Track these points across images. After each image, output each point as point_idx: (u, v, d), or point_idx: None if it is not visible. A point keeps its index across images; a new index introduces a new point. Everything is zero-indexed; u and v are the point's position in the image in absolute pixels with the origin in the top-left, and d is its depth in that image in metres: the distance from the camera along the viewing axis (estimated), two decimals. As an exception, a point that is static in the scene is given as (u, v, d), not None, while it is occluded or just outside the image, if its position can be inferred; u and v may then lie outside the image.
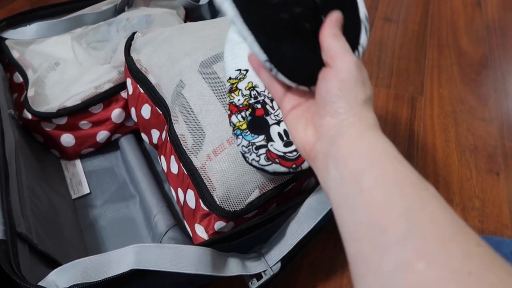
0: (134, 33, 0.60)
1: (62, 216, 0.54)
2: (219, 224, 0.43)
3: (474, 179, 0.68)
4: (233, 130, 0.42)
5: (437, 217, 0.21)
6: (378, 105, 0.82)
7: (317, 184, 0.49)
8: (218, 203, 0.42)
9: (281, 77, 0.31)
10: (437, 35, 1.04)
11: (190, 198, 0.46)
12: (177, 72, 0.51)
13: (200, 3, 0.85)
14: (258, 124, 0.41)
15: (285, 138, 0.40)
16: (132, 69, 0.56)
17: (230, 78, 0.45)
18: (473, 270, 0.19)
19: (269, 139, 0.40)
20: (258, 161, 0.40)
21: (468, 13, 1.14)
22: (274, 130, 0.41)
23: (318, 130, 0.29)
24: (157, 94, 0.53)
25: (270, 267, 0.43)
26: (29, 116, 0.59)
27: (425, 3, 1.18)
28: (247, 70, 0.45)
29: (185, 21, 0.81)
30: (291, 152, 0.39)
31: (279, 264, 0.43)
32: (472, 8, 1.16)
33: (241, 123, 0.42)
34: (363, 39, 0.31)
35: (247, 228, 0.42)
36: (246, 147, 0.40)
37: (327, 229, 0.58)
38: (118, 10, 0.75)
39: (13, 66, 0.65)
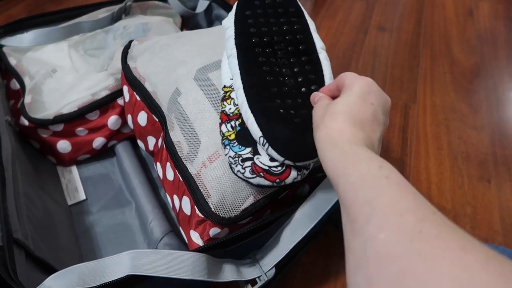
0: (131, 41, 0.60)
1: (58, 223, 0.54)
2: (214, 231, 0.44)
3: (466, 186, 0.69)
4: (222, 140, 0.42)
5: (394, 197, 0.25)
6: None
7: (311, 191, 0.50)
8: (213, 209, 0.42)
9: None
10: (430, 44, 1.06)
11: (186, 204, 0.46)
12: (173, 80, 0.52)
13: (197, 11, 0.86)
14: (246, 135, 0.41)
15: None
16: (129, 76, 0.57)
17: (224, 86, 0.46)
18: (423, 229, 0.22)
19: (255, 152, 0.41)
20: (243, 173, 0.40)
21: (460, 22, 1.16)
22: None
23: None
24: (153, 102, 0.53)
25: (265, 273, 0.43)
26: (26, 122, 0.59)
27: (418, 13, 1.20)
28: None
29: (181, 29, 0.82)
30: (276, 166, 0.40)
31: (273, 270, 0.43)
32: (464, 18, 1.18)
33: (229, 133, 0.42)
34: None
35: (242, 235, 0.42)
36: (233, 158, 0.41)
37: (320, 236, 0.59)
38: (115, 18, 0.75)
39: (10, 73, 0.66)
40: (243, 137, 0.42)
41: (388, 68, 0.97)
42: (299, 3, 0.51)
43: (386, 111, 0.37)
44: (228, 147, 0.41)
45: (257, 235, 0.43)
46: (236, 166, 0.40)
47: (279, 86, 0.42)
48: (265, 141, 0.39)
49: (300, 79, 0.44)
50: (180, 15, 0.83)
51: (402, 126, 0.81)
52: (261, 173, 0.39)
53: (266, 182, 0.40)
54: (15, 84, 0.65)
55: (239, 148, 0.41)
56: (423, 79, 0.93)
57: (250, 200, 0.43)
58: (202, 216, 0.43)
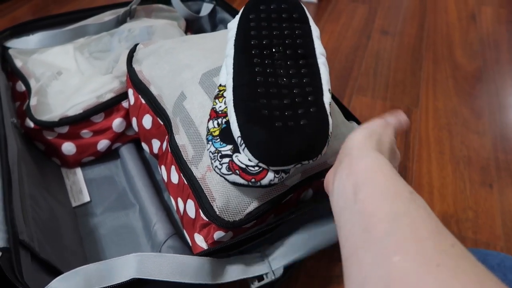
0: (136, 45, 0.61)
1: (62, 224, 0.55)
2: (218, 234, 0.44)
3: (468, 190, 0.69)
4: (206, 135, 0.43)
5: (418, 221, 0.24)
6: (374, 116, 0.83)
7: (314, 195, 0.50)
8: (217, 213, 0.43)
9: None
10: (433, 48, 1.06)
11: (190, 207, 0.47)
12: (178, 84, 0.52)
13: (201, 14, 0.87)
14: (230, 133, 0.42)
15: None
16: (134, 80, 0.57)
17: (220, 85, 0.47)
18: (441, 262, 0.21)
19: (236, 150, 0.41)
20: (220, 169, 0.40)
21: (463, 27, 1.16)
22: None
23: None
24: (159, 105, 0.54)
25: (273, 271, 0.43)
26: (31, 124, 0.60)
27: (421, 17, 1.20)
28: None
29: (185, 32, 0.83)
30: (253, 166, 0.40)
31: (281, 269, 0.43)
32: (467, 22, 1.18)
33: (214, 129, 0.42)
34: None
35: (246, 239, 0.43)
36: (213, 154, 0.41)
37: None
38: (120, 21, 0.76)
39: (16, 75, 0.66)
40: (227, 134, 0.42)
41: (391, 72, 0.97)
42: (305, 9, 0.51)
43: (397, 162, 0.39)
44: (210, 142, 0.42)
45: (262, 238, 0.44)
46: (214, 161, 0.41)
47: (268, 86, 0.42)
48: (242, 141, 0.39)
49: (294, 81, 0.43)
50: (184, 18, 0.84)
51: (405, 130, 0.81)
52: (237, 171, 0.40)
53: (241, 181, 0.40)
54: (20, 86, 0.66)
55: (220, 144, 0.41)
56: (425, 83, 0.94)
57: (254, 204, 0.43)
58: (207, 220, 0.44)
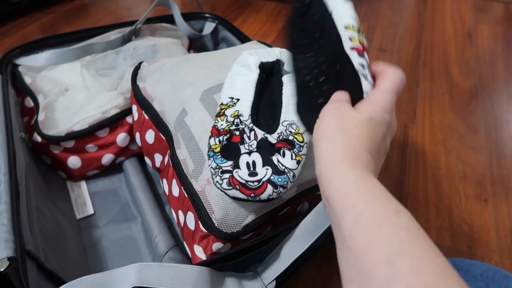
0: (140, 63, 0.64)
1: (67, 236, 0.56)
2: (217, 245, 0.46)
3: (463, 205, 0.71)
4: (208, 151, 0.45)
5: (418, 262, 0.22)
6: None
7: (310, 208, 0.52)
8: (216, 225, 0.44)
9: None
10: (430, 65, 1.09)
11: (190, 220, 0.48)
12: (180, 101, 0.54)
13: (203, 33, 0.90)
14: (230, 150, 0.44)
15: (251, 169, 0.43)
16: (138, 96, 0.60)
17: (221, 104, 0.49)
18: None
19: (236, 166, 0.43)
20: (221, 184, 0.42)
21: (459, 44, 1.19)
22: (244, 159, 0.44)
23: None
24: (161, 121, 0.56)
25: (265, 285, 0.45)
26: (39, 139, 0.62)
27: (418, 35, 1.23)
28: (238, 100, 0.48)
29: (188, 50, 0.86)
30: (253, 182, 0.42)
31: (274, 283, 0.45)
32: (463, 40, 1.21)
33: (216, 146, 0.45)
34: (365, 86, 0.36)
35: (243, 249, 0.44)
36: (214, 169, 0.43)
37: (321, 252, 0.61)
38: (126, 40, 0.79)
39: (25, 91, 0.69)
40: (228, 151, 0.44)
41: (388, 88, 0.99)
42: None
43: (392, 137, 0.35)
44: (212, 158, 0.44)
45: (258, 250, 0.45)
46: (215, 177, 0.43)
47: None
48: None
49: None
50: (187, 37, 0.87)
51: (402, 145, 0.83)
52: (237, 186, 0.42)
53: (241, 195, 0.42)
54: (29, 102, 0.68)
55: (221, 160, 0.43)
56: (422, 99, 0.96)
57: (251, 216, 0.45)
58: (206, 231, 0.45)
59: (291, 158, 0.44)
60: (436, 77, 1.04)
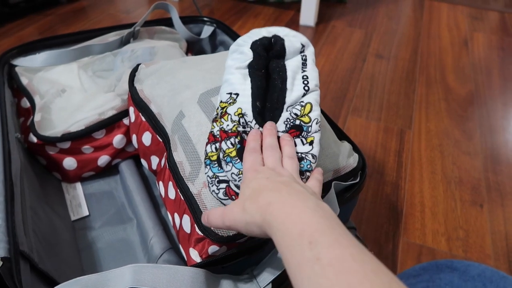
0: (138, 65, 0.63)
1: (61, 237, 0.56)
2: (212, 248, 0.46)
3: (458, 210, 0.71)
4: (204, 159, 0.45)
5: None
6: (369, 137, 0.86)
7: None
8: (212, 228, 0.44)
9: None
10: (426, 72, 1.09)
11: (186, 222, 0.48)
12: (177, 103, 0.54)
13: (201, 36, 0.90)
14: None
15: None
16: (135, 98, 0.60)
17: (221, 102, 0.48)
18: None
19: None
20: (217, 194, 0.42)
21: (455, 52, 1.20)
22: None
23: None
24: (158, 123, 0.56)
25: (261, 289, 0.45)
26: (35, 139, 0.62)
27: (415, 42, 1.24)
28: (237, 95, 0.48)
29: (186, 53, 0.86)
30: None
31: (270, 286, 0.44)
32: (459, 47, 1.22)
33: (212, 154, 0.44)
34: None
35: (239, 252, 0.44)
36: (210, 178, 0.43)
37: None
38: (124, 42, 0.79)
39: (21, 91, 0.69)
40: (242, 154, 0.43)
41: (385, 94, 1.00)
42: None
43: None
44: (208, 167, 0.44)
45: (253, 253, 0.45)
46: (212, 186, 0.43)
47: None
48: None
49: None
50: (185, 40, 0.87)
51: (398, 150, 0.83)
52: (233, 196, 0.42)
53: None
54: (25, 103, 0.68)
55: (218, 169, 0.43)
56: (418, 105, 0.96)
57: (247, 219, 0.45)
58: (202, 234, 0.45)
59: (303, 144, 0.44)
60: (432, 84, 1.05)
